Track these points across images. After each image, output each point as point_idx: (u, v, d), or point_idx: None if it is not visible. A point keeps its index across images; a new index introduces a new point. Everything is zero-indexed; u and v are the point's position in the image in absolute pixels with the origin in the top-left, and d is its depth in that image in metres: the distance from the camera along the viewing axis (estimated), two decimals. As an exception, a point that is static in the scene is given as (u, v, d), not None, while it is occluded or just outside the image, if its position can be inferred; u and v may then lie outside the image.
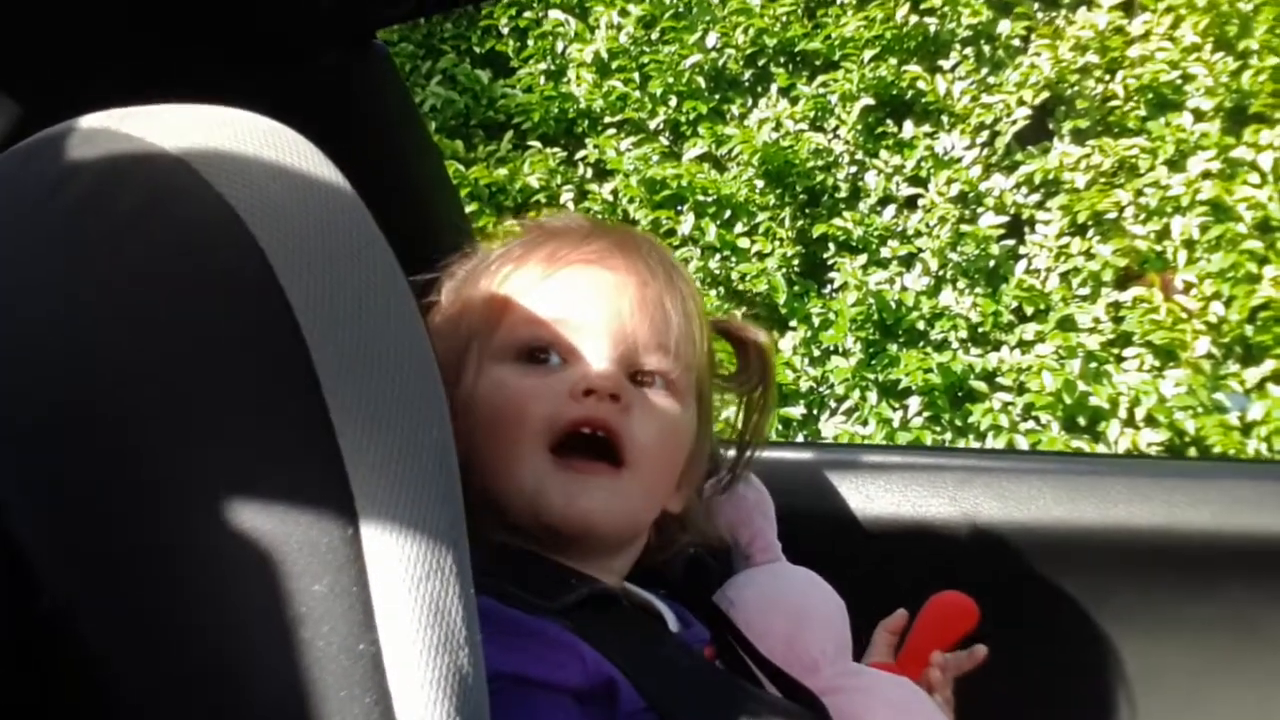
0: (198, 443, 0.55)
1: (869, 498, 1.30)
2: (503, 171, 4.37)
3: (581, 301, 0.84)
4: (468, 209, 4.61)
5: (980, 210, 4.16)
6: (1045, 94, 4.25)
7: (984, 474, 1.30)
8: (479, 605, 0.60)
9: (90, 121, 0.61)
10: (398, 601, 0.55)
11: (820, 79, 4.45)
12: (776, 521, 1.07)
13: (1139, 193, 3.92)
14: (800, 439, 3.81)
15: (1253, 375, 3.58)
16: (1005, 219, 4.14)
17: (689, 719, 0.73)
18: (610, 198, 4.44)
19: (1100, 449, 3.53)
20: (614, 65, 4.63)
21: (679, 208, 4.33)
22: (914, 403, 3.79)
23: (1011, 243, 4.13)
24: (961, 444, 3.69)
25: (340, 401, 0.56)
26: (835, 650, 0.97)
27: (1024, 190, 4.16)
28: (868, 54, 4.40)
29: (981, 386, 3.76)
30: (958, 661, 1.03)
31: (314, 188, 0.61)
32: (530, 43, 4.72)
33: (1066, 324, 3.88)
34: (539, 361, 0.82)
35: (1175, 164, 3.97)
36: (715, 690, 0.77)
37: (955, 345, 3.93)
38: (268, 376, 0.56)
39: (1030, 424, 3.68)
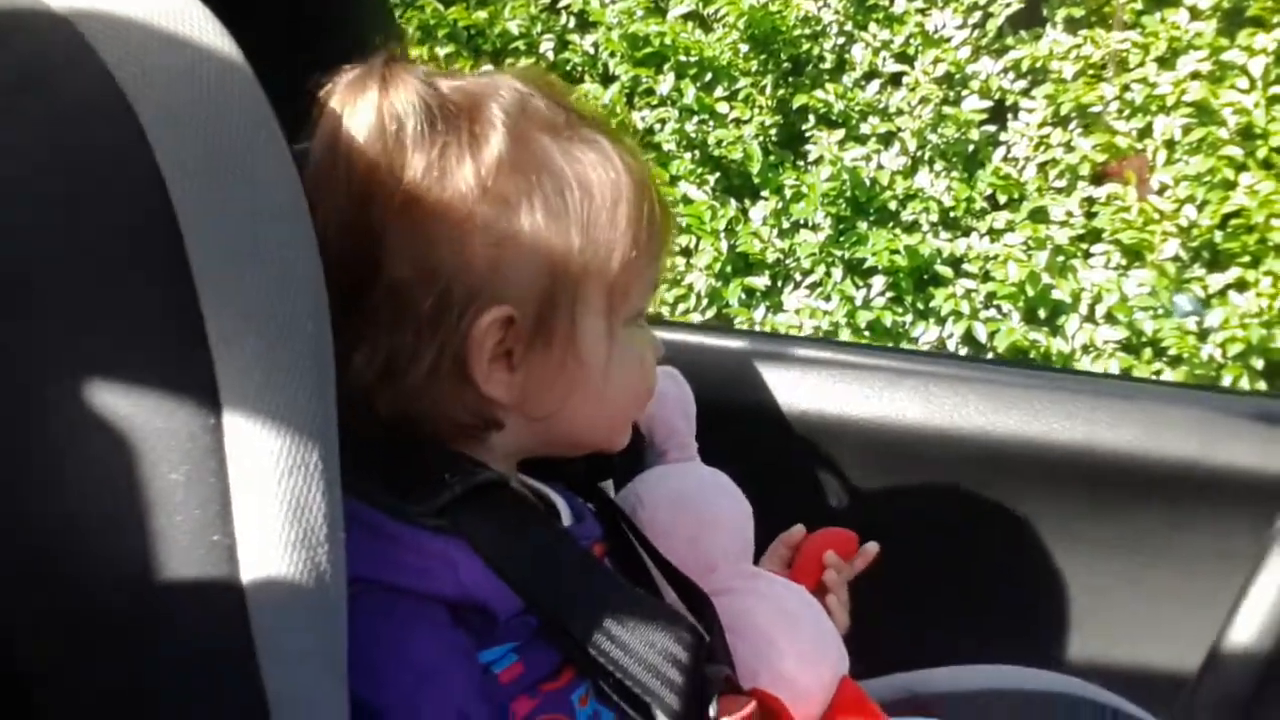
0: (58, 323, 0.53)
1: (794, 393, 1.29)
2: (482, 14, 4.27)
3: (662, 246, 0.82)
4: (444, 51, 4.50)
5: (965, 93, 4.11)
6: (1043, -23, 4.16)
7: (912, 377, 1.29)
8: (348, 509, 0.59)
9: None
10: (257, 495, 0.54)
11: (814, -56, 4.34)
12: (697, 408, 1.06)
13: (1125, 88, 3.86)
14: (761, 310, 3.80)
15: (1216, 281, 3.59)
16: (989, 104, 4.08)
17: (563, 614, 0.72)
18: (591, 50, 4.35)
19: (1057, 343, 3.55)
20: (604, -88, 4.49)
21: (660, 66, 4.24)
22: (878, 282, 3.78)
23: (993, 129, 4.09)
24: (921, 327, 3.70)
25: (211, 291, 0.54)
26: (736, 553, 0.97)
27: (1010, 76, 4.10)
28: (863, -79, 4.28)
29: (947, 272, 3.74)
30: (851, 565, 1.04)
31: (207, 64, 0.58)
32: (519, -120, 4.55)
33: (1038, 215, 3.86)
34: (639, 324, 0.82)
35: (1166, 62, 3.91)
36: (596, 588, 0.76)
37: (925, 228, 3.91)
38: (137, 261, 0.54)
39: (991, 312, 3.68)
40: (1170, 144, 3.80)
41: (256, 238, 0.56)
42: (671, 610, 0.80)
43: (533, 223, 0.73)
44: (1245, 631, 1.08)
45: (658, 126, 4.25)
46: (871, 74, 4.22)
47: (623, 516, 0.91)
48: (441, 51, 4.50)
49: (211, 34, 0.59)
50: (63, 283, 0.53)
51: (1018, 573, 1.29)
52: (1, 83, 0.55)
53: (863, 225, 3.90)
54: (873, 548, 1.04)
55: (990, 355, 3.55)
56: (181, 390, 0.53)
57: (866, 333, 3.65)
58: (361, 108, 0.72)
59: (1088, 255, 3.77)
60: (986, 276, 3.71)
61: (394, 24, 1.31)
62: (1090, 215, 3.82)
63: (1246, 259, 3.61)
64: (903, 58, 4.19)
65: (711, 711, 0.75)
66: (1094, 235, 3.80)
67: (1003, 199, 3.94)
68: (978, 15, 4.17)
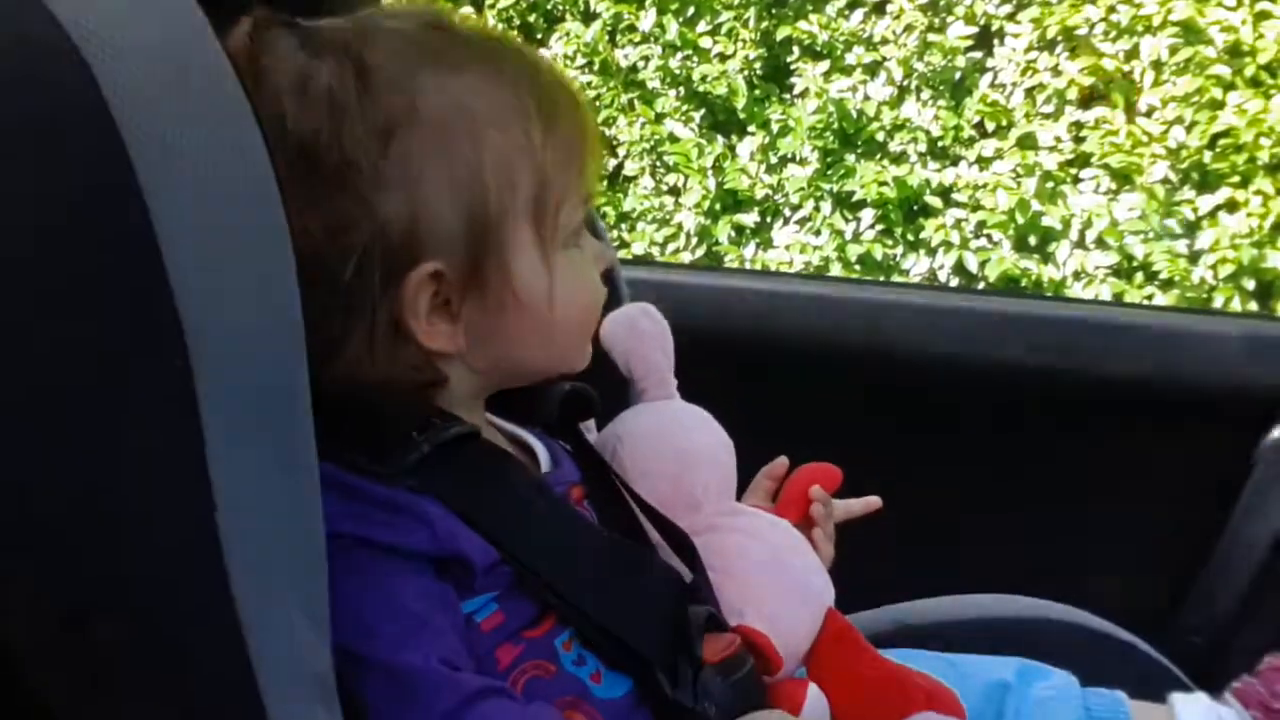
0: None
1: (777, 328, 1.29)
2: (460, -48, 4.20)
3: (581, 160, 0.78)
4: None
5: (950, 20, 4.06)
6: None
7: (896, 308, 1.30)
8: (321, 472, 0.58)
9: None
10: (230, 447, 0.53)
11: None
12: (680, 348, 1.05)
13: (1111, 9, 3.81)
14: (751, 247, 3.79)
15: (1206, 203, 3.57)
16: (974, 30, 4.03)
17: (538, 565, 0.72)
18: (570, -14, 4.30)
19: (1048, 270, 3.54)
20: None
21: (641, 2, 4.19)
22: (867, 215, 3.76)
23: (979, 55, 4.04)
24: (912, 259, 3.69)
25: (176, 250, 0.52)
26: (719, 490, 0.97)
27: (995, 1, 4.05)
28: None
29: (936, 202, 3.73)
30: (847, 506, 1.03)
31: (157, 9, 0.56)
32: None
33: (1027, 141, 3.83)
34: (574, 243, 0.79)
35: (1152, -21, 3.86)
36: (570, 536, 0.76)
37: (914, 159, 3.88)
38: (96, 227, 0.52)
39: (981, 241, 3.67)
40: (1158, 65, 3.76)
41: (219, 196, 0.55)
42: (649, 554, 0.80)
43: (436, 171, 0.70)
44: (1231, 553, 1.08)
45: (641, 64, 4.21)
46: (855, 3, 4.16)
47: (600, 460, 0.90)
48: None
49: (178, 4, 0.58)
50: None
51: (1005, 501, 1.29)
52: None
53: (850, 158, 3.88)
54: (875, 500, 1.04)
55: (981, 285, 3.55)
56: (150, 339, 0.52)
57: (857, 266, 3.64)
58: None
59: (1077, 180, 3.75)
60: (976, 205, 3.70)
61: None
62: (1079, 140, 3.79)
63: (1236, 179, 3.58)
64: (886, -15, 4.14)
65: (695, 650, 0.76)
66: (1083, 160, 3.78)
67: (991, 126, 3.91)
68: (961, -61, 4.12)
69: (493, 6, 4.51)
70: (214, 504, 0.52)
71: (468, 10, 4.43)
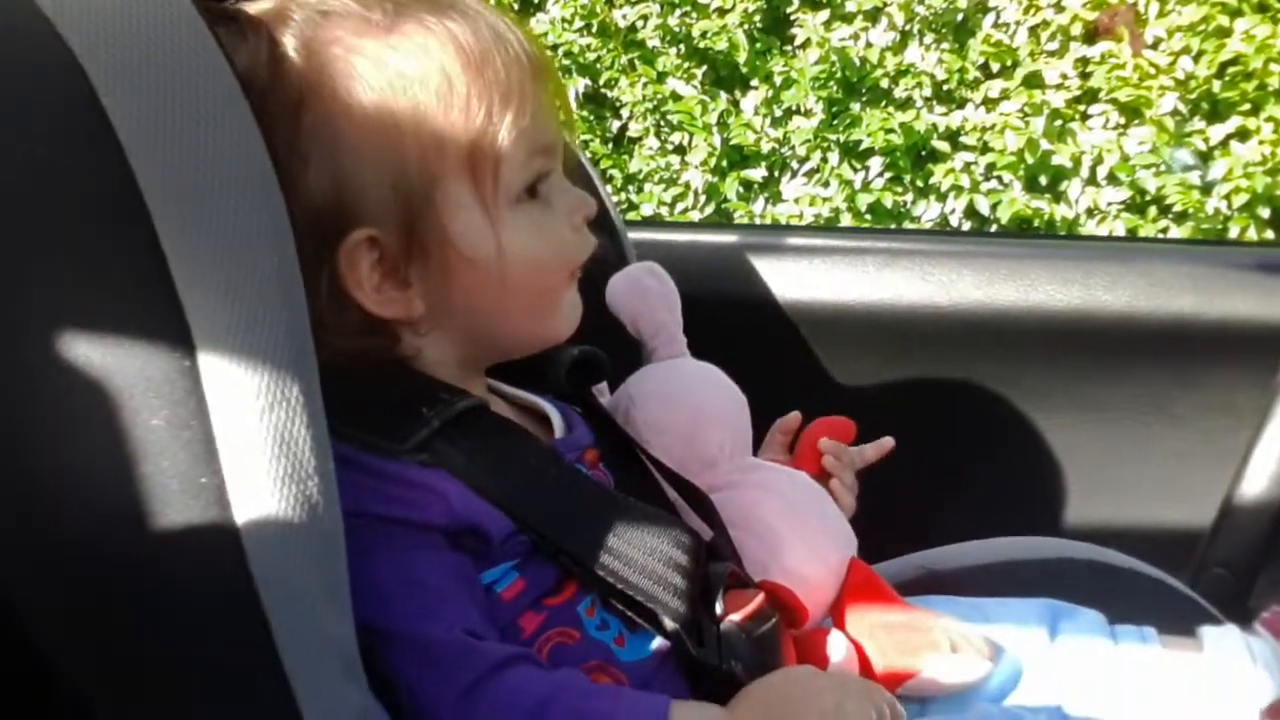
0: (17, 276, 0.52)
1: (787, 282, 1.28)
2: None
3: (546, 116, 0.75)
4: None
5: (950, -39, 4.01)
6: None
7: (905, 256, 1.28)
8: (335, 453, 0.58)
9: None
10: (241, 433, 0.53)
11: None
12: (691, 307, 1.04)
13: (1113, -60, 3.76)
14: (760, 202, 3.77)
15: (1217, 133, 3.53)
16: (975, -31, 3.98)
17: (555, 533, 0.72)
18: (564, -55, 4.25)
19: (1061, 209, 3.51)
20: None
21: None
22: (876, 163, 3.73)
23: (980, -5, 3.99)
24: (922, 205, 3.66)
25: (171, 227, 0.53)
26: (734, 446, 0.96)
27: (995, -61, 3.99)
28: None
29: (944, 147, 3.69)
30: (862, 453, 1.03)
31: (155, 16, 0.56)
32: None
33: (1033, 81, 3.79)
34: (534, 195, 0.75)
35: (1153, -90, 3.80)
36: (585, 503, 0.76)
37: (919, 104, 3.84)
38: (90, 203, 0.53)
39: (992, 184, 3.64)
40: (1162, -6, 3.71)
41: (211, 172, 0.55)
42: (666, 514, 0.80)
43: (352, 138, 0.70)
44: (1255, 484, 1.08)
45: (640, 23, 4.17)
46: (854, -51, 4.11)
47: (612, 422, 0.90)
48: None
49: None
50: (22, 235, 0.53)
51: (1025, 444, 1.28)
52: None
53: (855, 106, 3.84)
54: (888, 441, 1.04)
55: (994, 228, 3.52)
56: (153, 334, 0.53)
57: (868, 216, 3.61)
58: None
59: (1085, 117, 3.71)
60: (985, 148, 3.65)
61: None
62: (1085, 76, 3.75)
63: (1246, 107, 3.54)
64: (884, -71, 4.09)
65: (718, 608, 0.76)
66: (1090, 96, 3.73)
67: (996, 67, 3.86)
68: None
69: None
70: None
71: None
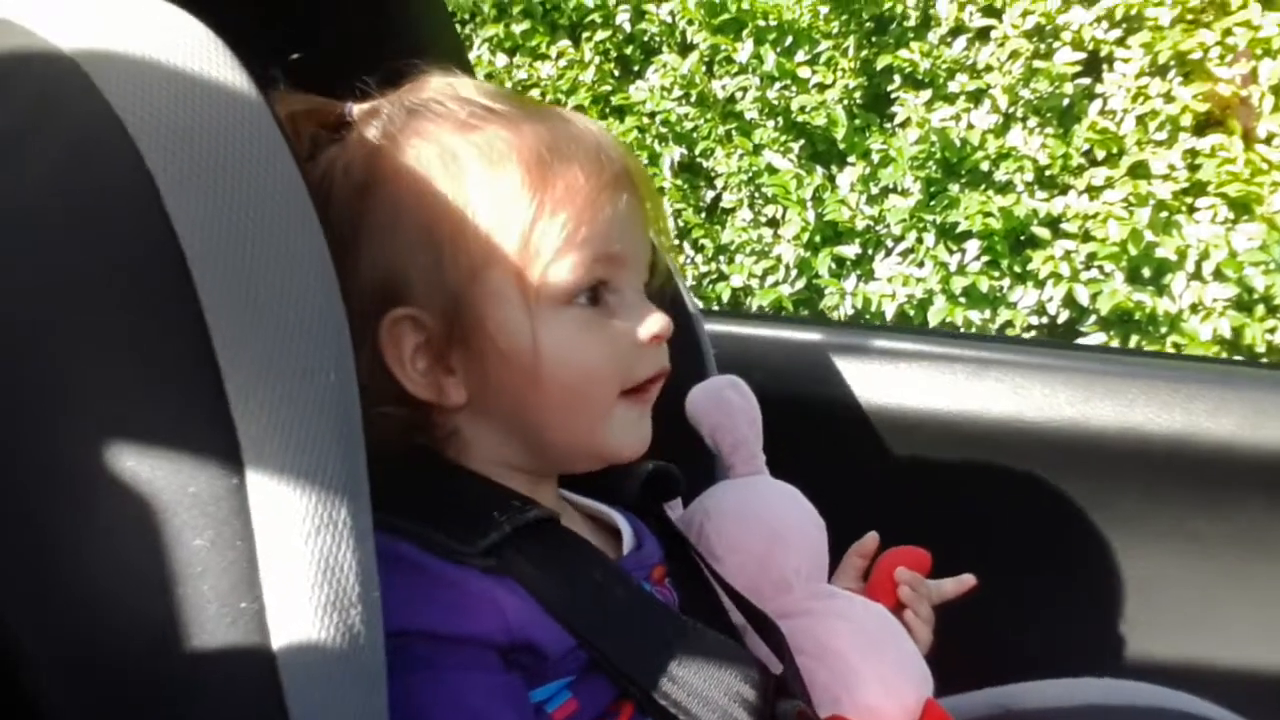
0: (70, 383, 0.51)
1: (868, 387, 1.24)
2: (557, -12, 4.24)
3: (622, 228, 0.75)
4: (519, 27, 4.48)
5: (1056, 45, 3.96)
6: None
7: (996, 366, 1.23)
8: (395, 552, 0.57)
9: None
10: (285, 557, 0.52)
11: (894, -103, 4.21)
12: (766, 405, 1.02)
13: (1227, 32, 3.69)
14: (852, 279, 3.73)
15: (1331, 232, 3.42)
16: (1082, 55, 3.93)
17: (617, 655, 0.70)
18: (667, 19, 4.29)
19: (1164, 303, 3.41)
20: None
21: (738, 33, 4.16)
22: (972, 247, 3.67)
23: (1087, 81, 3.93)
24: (1020, 290, 3.60)
25: (227, 339, 0.51)
26: (809, 570, 0.94)
27: (1104, 25, 3.94)
28: None
29: (1044, 233, 3.63)
30: (940, 588, 0.99)
31: (212, 95, 0.56)
32: None
33: (1139, 170, 3.71)
34: (596, 303, 0.74)
35: (1269, 2, 3.72)
36: (653, 626, 0.73)
37: (1020, 188, 3.79)
38: (148, 311, 0.52)
39: (1092, 273, 3.56)
40: (1277, 89, 3.62)
41: (271, 283, 0.54)
42: (734, 645, 0.78)
43: (413, 218, 0.71)
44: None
45: (739, 95, 4.18)
46: (958, 29, 4.10)
47: (683, 540, 0.88)
48: (517, 29, 4.48)
49: (221, 67, 0.57)
50: (78, 341, 0.52)
51: (1115, 575, 1.22)
52: (7, 125, 0.54)
53: (954, 188, 3.80)
54: (969, 579, 1.00)
55: (1093, 318, 3.43)
56: (202, 450, 0.52)
57: (962, 299, 3.55)
58: None
59: (1192, 210, 3.62)
60: (1086, 236, 3.58)
61: (453, 33, 1.29)
62: (1194, 168, 3.66)
63: (1363, 208, 3.43)
64: (990, 11, 4.06)
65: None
66: (1198, 189, 3.65)
67: (1101, 154, 3.80)
68: (1067, -37, 4.02)
69: (589, 40, 4.52)
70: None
71: (565, 44, 4.46)
